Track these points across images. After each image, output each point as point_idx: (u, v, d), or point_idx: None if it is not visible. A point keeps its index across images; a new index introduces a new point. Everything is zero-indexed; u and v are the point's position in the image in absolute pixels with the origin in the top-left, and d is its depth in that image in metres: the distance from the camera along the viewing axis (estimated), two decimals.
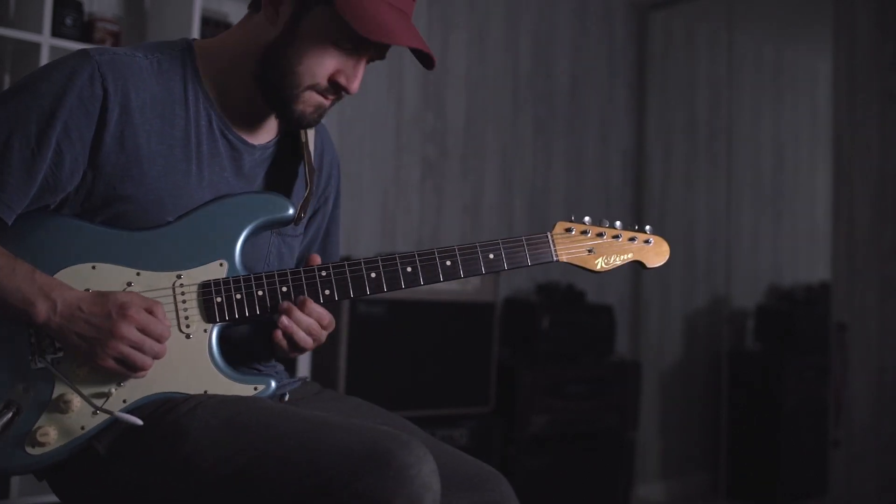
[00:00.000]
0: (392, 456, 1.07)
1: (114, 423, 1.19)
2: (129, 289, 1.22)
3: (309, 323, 1.25)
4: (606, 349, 3.35)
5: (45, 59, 2.21)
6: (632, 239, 1.38)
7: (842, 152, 3.15)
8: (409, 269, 1.28)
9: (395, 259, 1.28)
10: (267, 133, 1.37)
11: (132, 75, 1.23)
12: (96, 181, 1.22)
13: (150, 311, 1.19)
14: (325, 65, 1.24)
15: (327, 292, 1.26)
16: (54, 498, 2.18)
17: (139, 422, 1.15)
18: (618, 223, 1.39)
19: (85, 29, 2.37)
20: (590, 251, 1.37)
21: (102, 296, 1.18)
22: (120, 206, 1.23)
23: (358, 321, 2.68)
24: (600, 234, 1.37)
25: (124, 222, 1.23)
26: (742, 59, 4.16)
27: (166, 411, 1.19)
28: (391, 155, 3.22)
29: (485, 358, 2.95)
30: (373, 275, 1.27)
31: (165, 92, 1.26)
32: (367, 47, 1.25)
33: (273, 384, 1.26)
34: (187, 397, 1.21)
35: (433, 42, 3.33)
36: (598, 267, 1.37)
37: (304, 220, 1.42)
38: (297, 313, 1.24)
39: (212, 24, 2.58)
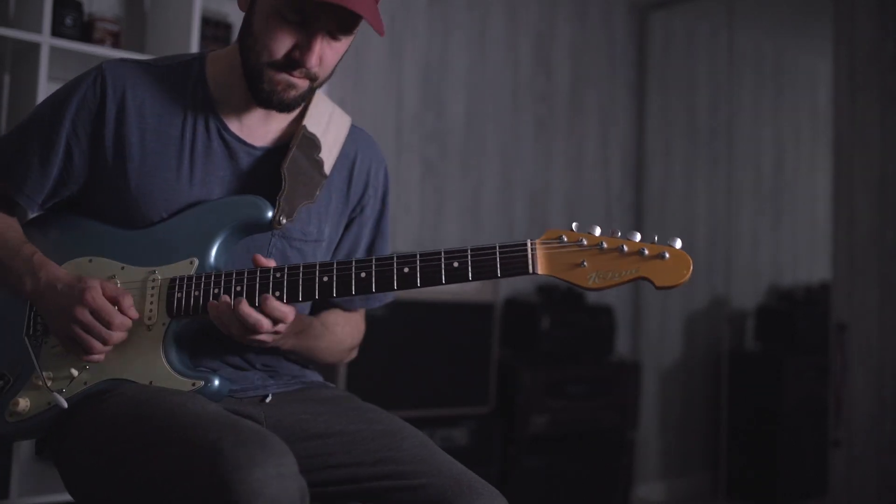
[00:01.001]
0: (220, 458, 1.01)
1: (75, 403, 1.28)
2: (112, 280, 1.30)
3: (256, 319, 1.21)
4: (606, 349, 3.35)
5: (44, 59, 2.21)
6: (639, 252, 1.17)
7: (842, 152, 3.15)
8: (362, 275, 1.23)
9: (350, 265, 1.23)
10: (278, 135, 1.39)
11: (132, 78, 1.34)
12: (99, 177, 1.34)
13: (114, 299, 1.24)
14: (279, 40, 1.25)
15: (277, 294, 1.24)
16: (54, 498, 2.19)
17: (64, 404, 1.26)
18: (636, 235, 1.19)
19: (85, 29, 2.37)
20: (581, 264, 1.17)
21: (77, 279, 1.26)
22: (117, 201, 1.33)
23: None
24: (598, 245, 1.18)
25: (122, 217, 1.33)
26: (742, 58, 4.16)
27: (102, 394, 1.26)
28: (391, 155, 3.22)
29: (485, 358, 2.95)
30: (325, 278, 1.23)
31: (169, 94, 1.35)
32: (316, 18, 1.23)
33: (216, 382, 1.26)
34: (128, 385, 1.27)
35: (433, 42, 3.33)
36: (591, 283, 1.17)
37: (328, 219, 1.41)
38: (243, 305, 1.21)
39: (212, 25, 2.58)
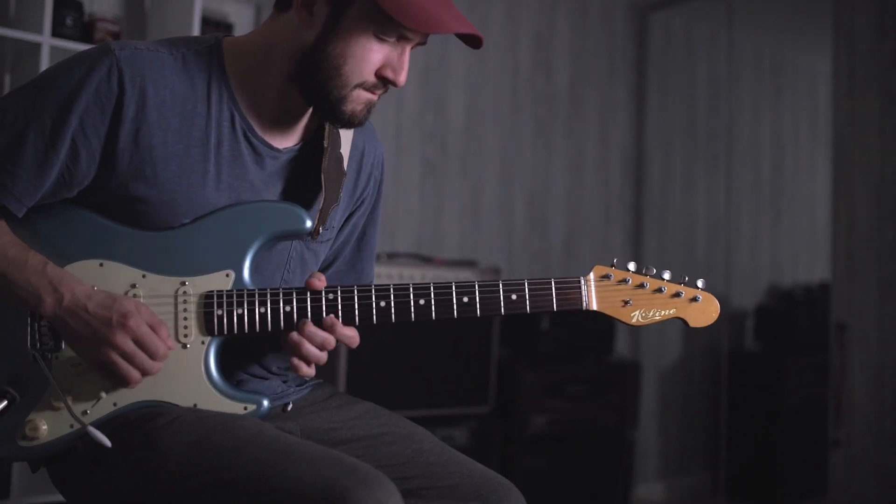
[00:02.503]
0: (349, 497, 1.00)
1: (97, 426, 1.18)
2: (132, 290, 1.20)
3: (324, 337, 1.20)
4: (606, 349, 3.35)
5: (45, 60, 2.21)
6: (677, 294, 1.28)
7: (842, 152, 3.15)
8: (421, 302, 1.22)
9: (408, 290, 1.22)
10: (293, 136, 1.31)
11: (152, 71, 1.19)
12: (109, 179, 1.19)
13: (152, 327, 1.16)
14: (370, 61, 1.20)
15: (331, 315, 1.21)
16: (54, 498, 2.19)
17: (107, 443, 1.14)
18: (666, 274, 1.29)
19: (85, 29, 2.37)
20: (626, 302, 1.28)
21: (111, 299, 1.15)
22: (132, 206, 1.20)
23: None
24: (641, 286, 1.27)
25: (136, 220, 1.21)
26: (741, 59, 4.16)
27: (146, 421, 1.17)
28: (391, 155, 3.22)
29: (485, 358, 2.95)
30: (382, 304, 1.21)
31: (188, 89, 1.22)
32: (411, 35, 1.21)
33: (265, 404, 1.22)
34: (171, 409, 1.19)
35: (433, 42, 3.33)
36: (634, 321, 1.28)
37: (333, 229, 1.38)
38: (310, 327, 1.19)
39: (212, 25, 2.58)
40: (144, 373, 1.15)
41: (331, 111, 1.23)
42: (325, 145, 1.29)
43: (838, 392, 3.07)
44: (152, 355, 1.15)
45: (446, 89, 3.38)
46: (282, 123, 1.29)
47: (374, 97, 1.24)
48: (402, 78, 1.22)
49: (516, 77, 3.58)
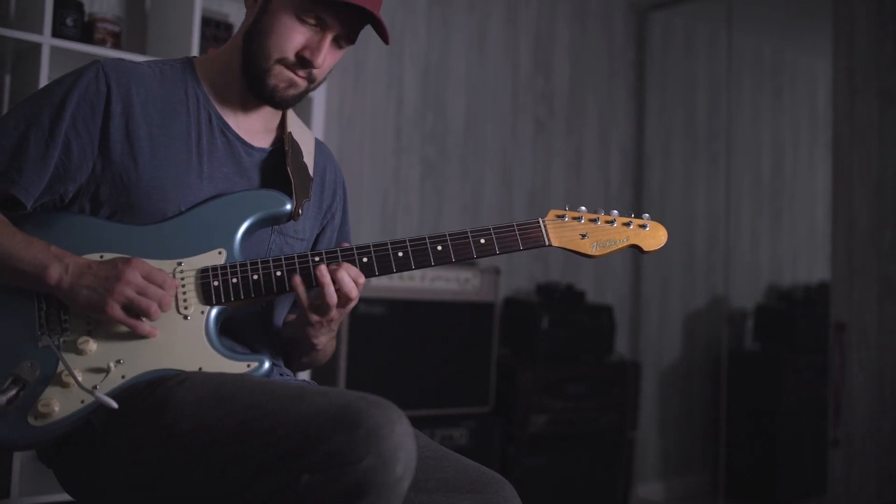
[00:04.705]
0: (364, 415, 1.07)
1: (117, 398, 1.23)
2: None
3: (354, 274, 1.31)
4: (606, 349, 3.35)
5: (45, 60, 2.21)
6: (626, 224, 1.39)
7: (841, 152, 3.15)
8: (399, 254, 1.34)
9: (386, 245, 1.34)
10: (267, 137, 1.46)
11: (135, 76, 1.36)
12: (105, 172, 1.32)
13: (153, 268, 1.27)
14: (291, 39, 1.34)
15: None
16: (54, 498, 2.19)
17: (114, 405, 1.19)
18: (614, 211, 1.41)
19: (85, 29, 2.37)
20: (583, 236, 1.38)
21: (111, 258, 1.27)
22: (126, 198, 1.32)
23: (358, 321, 2.68)
24: (593, 220, 1.39)
25: (130, 213, 1.32)
26: (741, 59, 4.16)
27: (157, 385, 1.23)
28: (391, 155, 3.22)
29: (485, 358, 2.95)
30: (364, 259, 1.33)
31: (167, 93, 1.38)
32: (331, 22, 1.34)
33: (266, 363, 1.30)
34: (179, 372, 1.26)
35: (433, 42, 3.34)
36: (593, 250, 1.38)
37: (308, 221, 1.49)
38: (337, 269, 1.30)
39: (212, 25, 2.58)
40: (159, 302, 1.24)
41: (256, 82, 1.37)
42: (286, 147, 1.44)
43: (837, 392, 3.07)
44: (161, 284, 1.25)
45: (446, 89, 3.38)
46: (250, 122, 1.44)
47: (297, 79, 1.36)
48: (318, 59, 1.34)
49: (516, 77, 3.58)
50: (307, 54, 1.34)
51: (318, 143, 1.58)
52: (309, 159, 1.50)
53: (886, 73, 3.04)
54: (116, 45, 2.40)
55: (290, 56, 1.34)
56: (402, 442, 1.07)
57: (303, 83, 1.37)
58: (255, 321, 1.42)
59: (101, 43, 2.36)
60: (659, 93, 4.01)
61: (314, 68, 1.35)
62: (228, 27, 2.65)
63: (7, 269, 1.25)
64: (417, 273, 2.82)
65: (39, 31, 2.23)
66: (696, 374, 4.07)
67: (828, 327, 3.14)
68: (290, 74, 1.36)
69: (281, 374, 1.44)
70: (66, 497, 2.15)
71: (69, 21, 2.30)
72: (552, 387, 3.11)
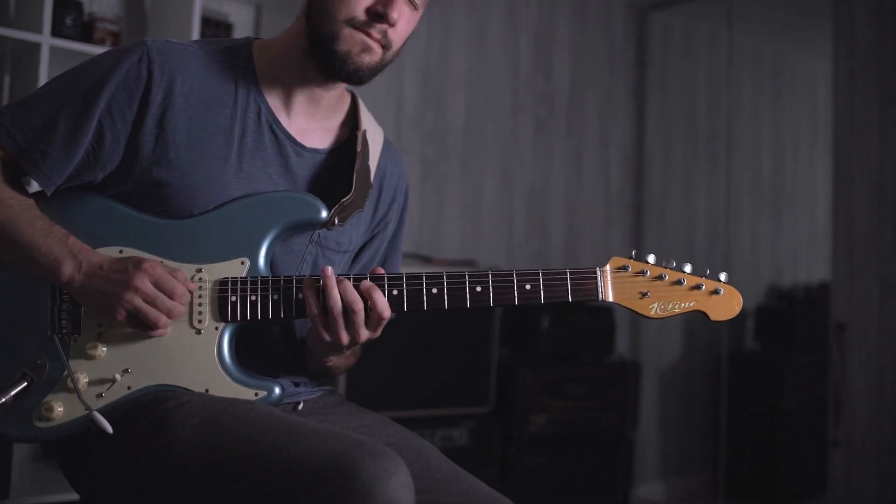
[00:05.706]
0: (359, 466, 1.00)
1: (112, 408, 1.20)
2: None
3: (353, 298, 1.19)
4: (606, 349, 3.35)
5: (45, 60, 2.21)
6: (697, 286, 1.25)
7: (841, 152, 3.15)
8: (434, 291, 1.23)
9: (420, 278, 1.23)
10: (324, 138, 1.35)
11: (180, 62, 1.25)
12: (134, 163, 1.23)
13: (169, 271, 1.19)
14: None
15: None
16: (54, 498, 2.19)
17: (109, 430, 1.15)
18: (687, 267, 1.26)
19: (85, 29, 2.37)
20: (643, 294, 1.24)
21: (123, 259, 1.20)
22: (154, 191, 1.24)
23: None
24: (659, 277, 1.25)
25: (157, 207, 1.24)
26: (741, 59, 4.16)
27: (157, 403, 1.18)
28: None
29: (485, 358, 2.95)
30: (394, 292, 1.23)
31: (215, 80, 1.27)
32: None
33: (277, 391, 1.23)
34: (182, 392, 1.20)
35: (433, 42, 3.33)
36: (653, 313, 1.24)
37: (355, 230, 1.38)
38: (346, 283, 1.19)
39: (212, 25, 2.58)
40: (168, 314, 1.18)
41: (326, 54, 1.23)
42: (359, 149, 1.31)
43: (837, 392, 3.07)
44: (171, 294, 1.18)
45: (446, 89, 3.38)
46: (308, 119, 1.32)
47: (370, 41, 1.23)
48: (392, 14, 1.21)
49: (516, 77, 3.58)
50: (379, 8, 1.20)
51: (386, 142, 1.45)
52: (373, 162, 1.37)
53: (886, 73, 3.04)
54: (115, 45, 2.39)
55: (360, 14, 1.21)
56: (397, 497, 1.00)
57: (378, 48, 1.24)
58: (275, 326, 1.34)
59: (101, 43, 2.36)
60: (659, 93, 4.01)
61: (389, 24, 1.22)
62: (228, 27, 2.65)
63: (23, 258, 1.21)
64: (418, 272, 2.82)
65: (39, 31, 2.23)
66: (696, 374, 4.07)
67: (828, 327, 3.14)
68: (362, 36, 1.22)
69: (296, 385, 1.37)
70: (66, 497, 2.16)
71: (69, 21, 2.30)
72: (552, 387, 3.11)
